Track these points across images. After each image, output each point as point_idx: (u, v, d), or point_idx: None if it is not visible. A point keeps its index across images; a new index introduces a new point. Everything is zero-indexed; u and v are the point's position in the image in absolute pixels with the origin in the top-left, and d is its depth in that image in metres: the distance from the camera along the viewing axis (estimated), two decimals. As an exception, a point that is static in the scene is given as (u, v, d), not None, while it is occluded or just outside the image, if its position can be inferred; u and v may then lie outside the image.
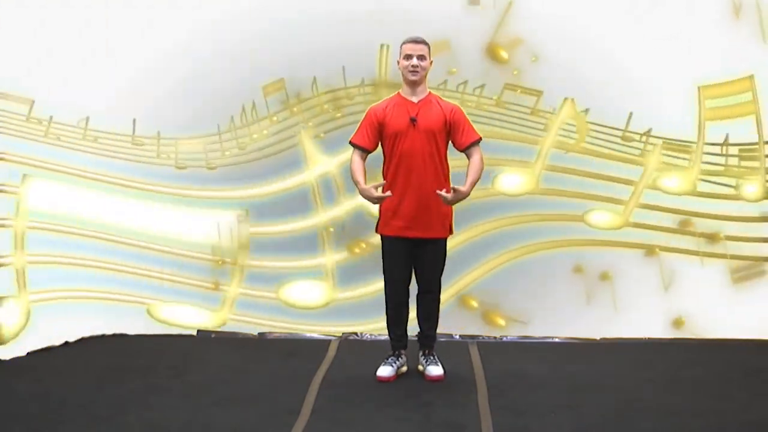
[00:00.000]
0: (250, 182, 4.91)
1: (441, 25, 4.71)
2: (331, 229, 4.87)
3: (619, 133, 4.81)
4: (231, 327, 4.95)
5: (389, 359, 4.02)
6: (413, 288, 4.00)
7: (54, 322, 4.69)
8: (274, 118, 4.90)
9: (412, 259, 3.92)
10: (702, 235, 4.84)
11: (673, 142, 4.81)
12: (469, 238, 4.86)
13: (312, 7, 4.81)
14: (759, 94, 4.72)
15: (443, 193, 3.71)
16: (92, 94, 4.79)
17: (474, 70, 4.81)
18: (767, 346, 4.62)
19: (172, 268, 4.94)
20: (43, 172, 4.76)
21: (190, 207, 4.92)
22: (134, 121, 4.87)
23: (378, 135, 3.86)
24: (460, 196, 3.73)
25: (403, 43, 3.83)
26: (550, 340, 4.79)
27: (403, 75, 3.83)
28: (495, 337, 4.83)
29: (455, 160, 3.98)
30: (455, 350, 4.46)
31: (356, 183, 3.81)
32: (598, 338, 4.80)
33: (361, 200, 4.13)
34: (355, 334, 4.86)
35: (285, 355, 4.46)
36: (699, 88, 4.75)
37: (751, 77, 4.72)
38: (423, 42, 3.81)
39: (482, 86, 4.83)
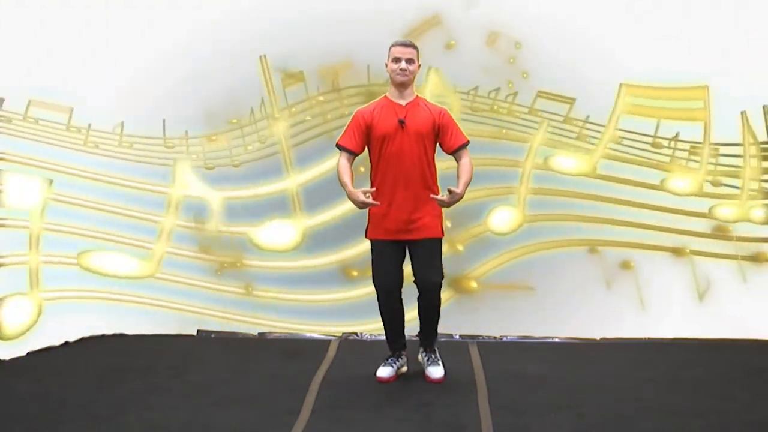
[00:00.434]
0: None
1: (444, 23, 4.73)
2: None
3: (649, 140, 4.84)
4: (231, 327, 4.96)
5: (389, 360, 4.01)
6: (412, 290, 3.97)
7: (55, 322, 4.70)
8: (293, 109, 4.91)
9: (404, 258, 3.87)
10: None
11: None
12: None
13: (312, 7, 4.82)
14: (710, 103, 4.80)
15: (439, 196, 3.70)
16: (92, 94, 4.80)
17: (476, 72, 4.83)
18: (768, 346, 4.63)
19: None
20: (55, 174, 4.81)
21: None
22: (164, 121, 4.88)
23: (365, 138, 3.83)
24: (456, 198, 3.70)
25: (392, 45, 3.79)
26: (550, 340, 4.79)
27: (391, 78, 3.80)
28: (495, 337, 4.83)
29: (440, 161, 3.97)
30: (455, 350, 4.45)
31: (343, 185, 3.75)
32: (598, 338, 4.80)
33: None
34: (355, 334, 4.86)
35: (285, 355, 4.46)
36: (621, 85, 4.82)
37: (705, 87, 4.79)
38: (412, 45, 3.79)
39: (515, 93, 4.85)
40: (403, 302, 3.94)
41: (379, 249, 3.87)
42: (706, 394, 3.75)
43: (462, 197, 3.74)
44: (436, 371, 3.94)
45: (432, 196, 3.71)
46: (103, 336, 4.82)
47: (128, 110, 4.86)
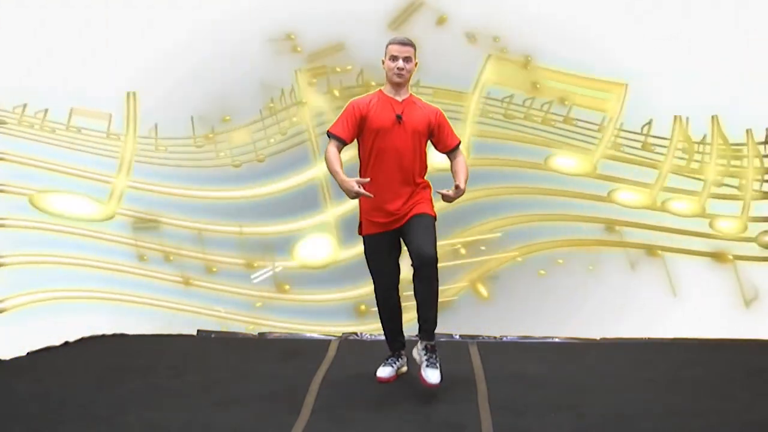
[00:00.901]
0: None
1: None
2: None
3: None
4: (231, 327, 4.96)
5: (389, 360, 4.01)
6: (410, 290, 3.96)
7: (55, 322, 4.70)
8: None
9: (398, 252, 3.84)
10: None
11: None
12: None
13: (312, 7, 4.82)
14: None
15: (444, 191, 3.70)
16: (92, 94, 4.80)
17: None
18: (768, 346, 4.63)
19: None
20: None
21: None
22: (192, 118, 4.89)
23: (357, 129, 3.78)
24: (460, 193, 3.73)
25: (389, 43, 3.77)
26: (550, 340, 4.79)
27: (387, 75, 3.79)
28: (495, 337, 4.83)
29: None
30: (455, 350, 4.45)
31: (335, 173, 3.66)
32: (598, 338, 4.80)
33: None
34: (355, 334, 4.86)
35: (285, 355, 4.46)
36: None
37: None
38: (409, 44, 3.77)
39: (550, 102, 4.87)
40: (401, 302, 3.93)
41: (373, 244, 3.84)
42: (706, 394, 3.75)
43: (464, 192, 3.76)
44: (433, 375, 3.67)
45: (438, 191, 3.71)
46: (103, 336, 4.82)
47: (128, 110, 4.87)
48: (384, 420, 3.43)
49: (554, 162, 4.94)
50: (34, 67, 4.72)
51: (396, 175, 3.75)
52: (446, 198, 3.73)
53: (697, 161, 4.89)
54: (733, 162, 4.87)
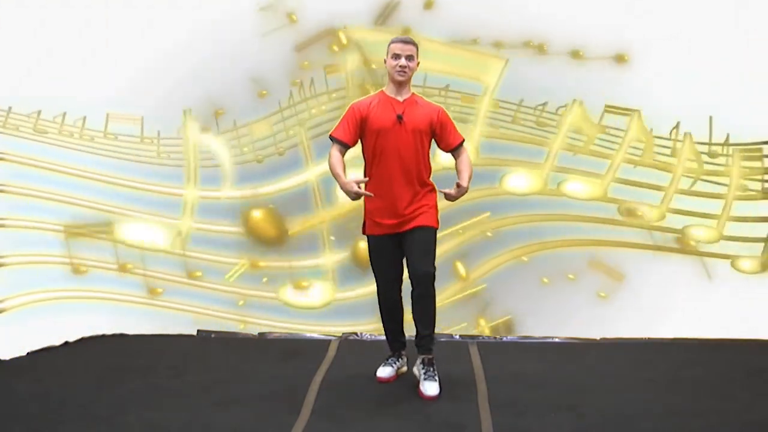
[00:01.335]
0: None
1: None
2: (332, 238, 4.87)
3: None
4: (231, 327, 4.96)
5: (389, 360, 4.01)
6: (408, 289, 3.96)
7: (55, 322, 4.71)
8: (333, 95, 4.92)
9: (401, 253, 3.83)
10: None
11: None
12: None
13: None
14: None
15: (447, 190, 3.70)
16: (92, 94, 4.80)
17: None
18: (768, 346, 4.63)
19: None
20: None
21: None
22: (235, 121, 4.90)
23: (359, 131, 3.80)
24: (462, 191, 3.71)
25: (392, 42, 3.77)
26: (550, 340, 4.79)
27: (389, 74, 3.79)
28: (495, 337, 4.83)
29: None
30: (455, 350, 4.45)
31: (337, 176, 3.70)
32: (598, 338, 4.80)
33: None
34: (355, 334, 4.86)
35: (285, 355, 4.46)
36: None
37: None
38: (412, 42, 3.78)
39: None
40: (403, 302, 3.93)
41: (376, 245, 3.86)
42: (706, 394, 3.74)
43: (467, 190, 3.75)
44: (431, 388, 3.71)
45: (440, 190, 3.72)
46: (103, 336, 4.82)
47: (129, 110, 4.87)
48: (384, 420, 3.44)
49: (565, 187, 4.95)
50: (34, 68, 4.72)
51: (398, 175, 3.75)
52: (449, 197, 3.72)
53: (720, 164, 4.86)
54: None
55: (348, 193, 3.63)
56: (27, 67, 4.71)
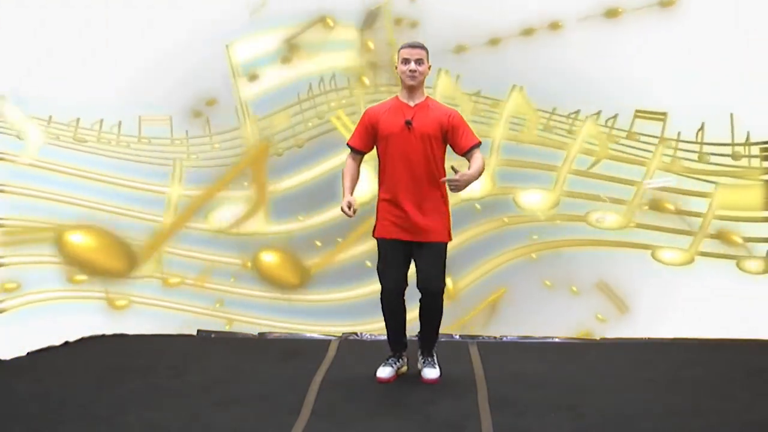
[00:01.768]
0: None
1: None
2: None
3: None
4: (231, 327, 4.96)
5: (389, 360, 4.01)
6: (412, 290, 3.97)
7: (55, 322, 4.71)
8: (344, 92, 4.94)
9: (409, 262, 3.85)
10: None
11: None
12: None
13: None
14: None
15: (446, 178, 3.67)
16: (92, 94, 4.80)
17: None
18: (768, 346, 4.63)
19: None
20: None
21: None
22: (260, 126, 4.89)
23: (372, 137, 3.84)
24: (464, 178, 3.62)
25: (401, 47, 3.79)
26: (550, 340, 4.79)
27: (401, 80, 3.81)
28: (495, 337, 4.83)
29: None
30: (455, 350, 4.46)
31: (343, 189, 3.85)
32: (598, 338, 4.80)
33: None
34: (355, 334, 4.86)
35: (285, 355, 4.46)
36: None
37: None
38: (421, 46, 3.79)
39: (615, 116, 4.80)
40: (406, 303, 3.93)
41: (384, 248, 3.86)
42: (706, 394, 3.74)
43: (473, 179, 3.67)
44: (431, 372, 3.93)
45: (442, 179, 3.71)
46: (103, 336, 4.82)
47: (129, 110, 4.87)
48: (384, 420, 3.43)
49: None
50: (34, 68, 4.72)
51: (408, 181, 3.76)
52: (449, 184, 3.66)
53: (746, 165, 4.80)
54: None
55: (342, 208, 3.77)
56: (27, 67, 4.71)
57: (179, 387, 3.86)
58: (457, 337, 4.79)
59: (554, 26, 4.76)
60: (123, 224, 4.91)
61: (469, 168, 3.73)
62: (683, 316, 4.81)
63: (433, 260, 3.82)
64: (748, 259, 4.81)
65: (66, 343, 4.65)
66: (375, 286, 3.95)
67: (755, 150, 4.75)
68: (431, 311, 3.89)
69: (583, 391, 3.78)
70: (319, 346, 4.64)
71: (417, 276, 3.85)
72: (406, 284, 3.87)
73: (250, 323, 4.97)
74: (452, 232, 3.88)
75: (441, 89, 4.81)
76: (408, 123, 3.75)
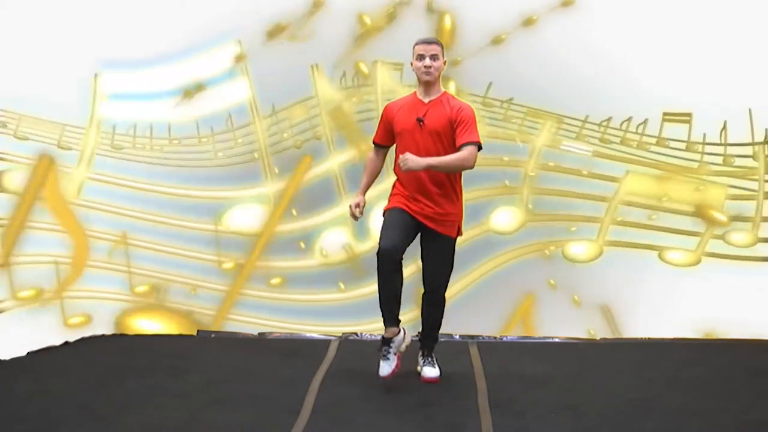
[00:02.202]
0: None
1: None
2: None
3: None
4: (231, 327, 4.96)
5: (383, 350, 3.80)
6: (412, 291, 3.96)
7: (55, 322, 4.71)
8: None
9: (412, 235, 3.78)
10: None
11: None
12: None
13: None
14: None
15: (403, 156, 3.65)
16: (91, 95, 4.80)
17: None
18: (769, 346, 4.62)
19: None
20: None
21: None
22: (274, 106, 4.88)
23: (389, 132, 3.89)
24: (404, 162, 3.62)
25: (416, 44, 3.78)
26: (550, 340, 4.79)
27: (417, 76, 3.79)
28: (495, 337, 4.83)
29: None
30: (455, 350, 4.46)
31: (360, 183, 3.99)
32: (598, 338, 4.80)
33: None
34: (355, 334, 4.86)
35: (285, 355, 4.45)
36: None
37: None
38: (436, 42, 3.78)
39: (645, 121, 4.78)
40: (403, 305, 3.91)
41: (391, 215, 3.80)
42: (707, 394, 3.74)
43: (415, 166, 3.61)
44: (430, 371, 3.95)
45: (401, 155, 3.68)
46: (103, 336, 4.82)
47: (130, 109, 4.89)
48: (384, 420, 3.44)
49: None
50: (34, 67, 4.72)
51: (421, 177, 3.74)
52: (400, 162, 3.65)
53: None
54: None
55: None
56: (27, 66, 4.72)
57: (179, 387, 3.86)
58: (457, 337, 4.79)
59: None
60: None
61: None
62: (683, 316, 4.80)
63: (439, 256, 3.83)
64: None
65: (66, 343, 4.66)
66: (375, 286, 3.93)
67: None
68: (435, 306, 3.92)
69: (583, 391, 3.79)
70: (319, 346, 4.63)
71: (424, 269, 3.88)
72: (403, 253, 3.72)
73: (250, 323, 4.97)
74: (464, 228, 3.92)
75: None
76: (419, 120, 3.76)
